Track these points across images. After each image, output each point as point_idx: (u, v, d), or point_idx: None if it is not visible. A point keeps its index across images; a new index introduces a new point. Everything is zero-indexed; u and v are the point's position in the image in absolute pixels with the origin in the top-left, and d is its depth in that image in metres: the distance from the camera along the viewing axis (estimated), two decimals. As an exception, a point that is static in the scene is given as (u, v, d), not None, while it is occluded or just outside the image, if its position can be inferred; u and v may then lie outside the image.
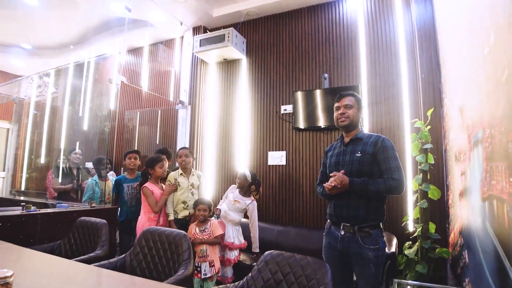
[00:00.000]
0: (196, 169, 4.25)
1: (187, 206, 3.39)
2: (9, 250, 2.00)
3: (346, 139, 2.23)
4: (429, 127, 2.97)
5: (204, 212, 3.02)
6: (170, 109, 5.13)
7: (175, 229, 3.04)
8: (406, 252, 2.78)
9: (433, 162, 2.92)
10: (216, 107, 4.68)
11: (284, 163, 4.00)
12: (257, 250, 3.32)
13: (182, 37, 5.16)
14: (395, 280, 2.58)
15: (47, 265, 1.70)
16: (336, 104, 2.27)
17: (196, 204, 3.12)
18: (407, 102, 3.48)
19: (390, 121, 3.54)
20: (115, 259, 2.13)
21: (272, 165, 4.07)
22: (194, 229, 3.00)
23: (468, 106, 2.21)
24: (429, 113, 2.99)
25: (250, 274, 1.78)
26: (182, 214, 3.37)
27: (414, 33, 3.52)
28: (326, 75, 3.89)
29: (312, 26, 4.16)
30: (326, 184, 2.07)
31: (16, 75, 7.42)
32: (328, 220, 2.23)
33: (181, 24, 4.79)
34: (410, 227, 3.18)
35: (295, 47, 4.22)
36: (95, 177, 3.90)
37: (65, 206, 3.15)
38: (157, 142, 5.33)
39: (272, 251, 1.83)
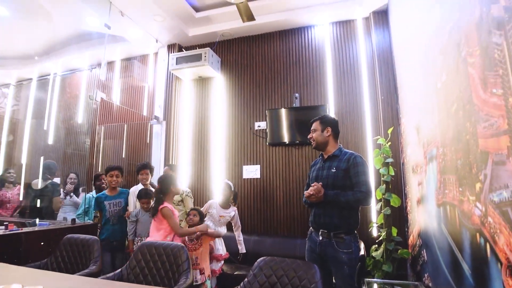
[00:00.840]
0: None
1: None
2: (6, 268, 2.04)
3: (325, 156, 2.54)
4: (389, 143, 3.38)
5: (194, 217, 3.14)
6: (143, 124, 5.20)
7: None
8: (374, 254, 3.13)
9: (393, 173, 3.33)
10: (191, 122, 4.86)
11: (258, 176, 4.26)
12: (244, 251, 3.52)
13: (156, 53, 5.29)
14: (365, 279, 2.91)
15: (57, 281, 1.80)
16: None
17: (190, 210, 3.29)
18: (369, 120, 3.92)
19: (354, 137, 3.94)
20: (111, 273, 2.24)
21: (247, 178, 4.30)
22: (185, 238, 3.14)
23: (423, 127, 2.62)
24: (389, 131, 3.41)
25: (246, 279, 1.99)
26: None
27: (374, 58, 3.98)
28: (297, 94, 4.24)
29: (284, 49, 4.51)
30: (305, 192, 2.38)
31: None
32: (310, 227, 2.51)
33: (157, 41, 4.94)
34: (375, 232, 3.57)
35: (267, 67, 4.54)
36: (93, 192, 3.87)
37: (46, 224, 3.15)
38: (123, 156, 5.34)
39: (265, 257, 2.06)
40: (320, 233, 2.37)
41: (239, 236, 3.55)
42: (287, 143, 4.17)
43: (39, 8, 4.52)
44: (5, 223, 2.75)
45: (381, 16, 4.02)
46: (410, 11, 2.92)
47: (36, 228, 2.95)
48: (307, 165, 4.06)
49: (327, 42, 4.34)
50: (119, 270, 2.26)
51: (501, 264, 1.28)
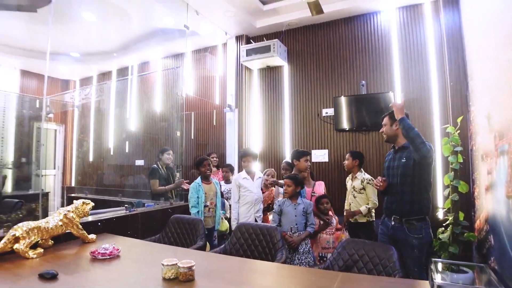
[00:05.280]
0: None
1: None
2: (146, 244, 2.63)
3: (396, 147, 2.80)
4: (458, 131, 3.50)
5: (327, 204, 3.48)
6: (212, 112, 5.71)
7: None
8: (440, 236, 3.36)
9: (461, 161, 3.47)
10: (260, 109, 5.26)
11: (326, 160, 4.58)
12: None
13: (225, 44, 5.68)
14: (432, 259, 3.19)
15: (186, 254, 2.33)
16: None
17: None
18: (437, 107, 4.02)
19: (421, 124, 4.06)
20: (218, 248, 2.76)
21: (316, 162, 4.65)
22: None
23: (494, 118, 2.74)
24: (459, 119, 3.52)
25: (332, 256, 2.39)
26: None
27: (443, 44, 4.00)
28: (363, 81, 4.42)
29: (349, 36, 4.66)
30: (373, 182, 2.79)
31: (58, 79, 8.04)
32: (384, 213, 2.83)
33: (226, 33, 5.33)
34: (440, 215, 3.77)
35: (333, 55, 4.73)
36: (198, 179, 3.75)
37: (152, 205, 3.77)
38: (192, 138, 5.88)
39: (348, 238, 2.44)
40: (392, 218, 2.67)
41: None
42: (354, 129, 4.42)
43: (120, 11, 5.07)
44: (125, 205, 3.37)
45: (451, -1, 3.98)
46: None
47: (149, 209, 3.57)
48: (374, 150, 4.29)
49: (393, 28, 4.40)
50: (223, 245, 2.78)
51: None
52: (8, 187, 5.60)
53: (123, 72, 7.25)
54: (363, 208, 3.45)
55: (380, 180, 2.68)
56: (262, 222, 3.68)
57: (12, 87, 6.81)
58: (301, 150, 3.71)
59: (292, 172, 3.58)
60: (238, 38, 5.39)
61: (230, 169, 4.63)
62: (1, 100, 5.62)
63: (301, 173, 3.52)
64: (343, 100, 4.51)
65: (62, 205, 6.56)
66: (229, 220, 3.99)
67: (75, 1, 4.70)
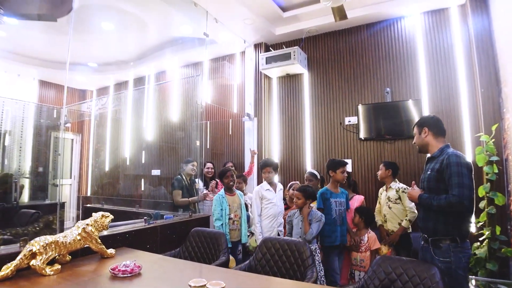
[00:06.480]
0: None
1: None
2: (171, 261, 2.51)
3: (429, 157, 2.58)
4: (493, 140, 3.31)
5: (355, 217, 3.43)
6: (226, 121, 5.61)
7: None
8: (477, 252, 3.16)
9: (497, 171, 3.27)
10: (281, 118, 5.14)
11: (350, 170, 4.40)
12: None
13: (243, 52, 5.60)
14: (469, 276, 2.98)
15: (217, 274, 2.19)
16: None
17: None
18: (467, 115, 3.83)
19: (451, 133, 3.86)
20: (242, 264, 2.61)
21: (338, 172, 4.48)
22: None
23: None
24: (493, 127, 3.33)
25: (366, 275, 2.22)
26: None
27: (472, 49, 3.83)
28: (388, 89, 4.26)
29: (372, 42, 4.52)
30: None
31: (75, 88, 8.10)
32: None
33: (245, 41, 5.25)
34: (473, 230, 3.55)
35: (356, 62, 4.60)
36: (222, 191, 3.63)
37: (171, 217, 3.63)
38: (208, 147, 5.78)
39: (383, 255, 2.27)
40: (421, 237, 2.37)
41: None
42: (379, 138, 4.26)
43: (138, 20, 5.05)
44: (145, 217, 3.24)
45: (480, 2, 3.82)
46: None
47: (168, 222, 3.43)
48: (401, 159, 4.11)
49: (419, 33, 4.25)
50: (248, 261, 2.63)
51: None
52: (25, 197, 5.57)
53: (139, 81, 7.26)
54: (404, 223, 3.25)
55: (413, 183, 2.47)
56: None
57: (30, 97, 6.86)
58: (338, 160, 3.50)
59: (329, 183, 3.47)
60: (257, 46, 5.31)
61: (244, 179, 4.44)
62: (20, 110, 5.64)
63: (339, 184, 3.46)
64: (366, 108, 4.36)
65: (78, 216, 6.51)
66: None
67: (95, 11, 4.70)
